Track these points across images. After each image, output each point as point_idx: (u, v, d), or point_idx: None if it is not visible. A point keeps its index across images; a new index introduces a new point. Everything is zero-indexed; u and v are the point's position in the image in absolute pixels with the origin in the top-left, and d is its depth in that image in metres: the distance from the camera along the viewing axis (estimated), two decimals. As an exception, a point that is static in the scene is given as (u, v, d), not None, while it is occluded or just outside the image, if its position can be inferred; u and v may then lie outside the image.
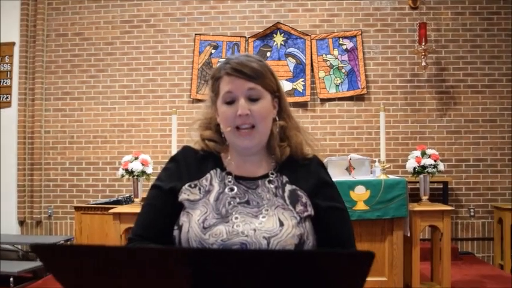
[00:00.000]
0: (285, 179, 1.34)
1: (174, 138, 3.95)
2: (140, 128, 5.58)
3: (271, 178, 1.34)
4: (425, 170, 3.84)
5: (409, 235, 3.64)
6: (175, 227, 1.30)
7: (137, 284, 0.82)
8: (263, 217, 1.25)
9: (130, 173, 3.94)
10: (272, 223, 1.23)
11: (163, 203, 1.34)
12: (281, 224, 1.23)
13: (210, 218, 1.25)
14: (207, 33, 5.60)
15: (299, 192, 1.31)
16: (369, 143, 5.39)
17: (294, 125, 1.40)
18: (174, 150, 3.95)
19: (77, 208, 5.11)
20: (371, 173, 3.95)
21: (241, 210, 1.27)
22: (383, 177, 3.74)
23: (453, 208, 4.06)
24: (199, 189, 1.32)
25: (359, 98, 5.46)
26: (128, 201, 5.10)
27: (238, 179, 1.34)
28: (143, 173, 3.96)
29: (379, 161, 3.90)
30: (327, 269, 0.76)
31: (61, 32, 5.66)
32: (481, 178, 5.32)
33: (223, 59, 1.38)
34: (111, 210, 3.90)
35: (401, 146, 5.36)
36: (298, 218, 1.25)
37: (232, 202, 1.28)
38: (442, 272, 3.68)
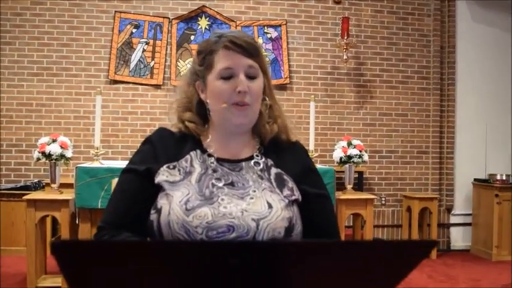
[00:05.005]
0: (269, 161, 1.29)
1: (98, 120, 3.70)
2: (51, 108, 5.16)
3: (256, 160, 1.29)
4: (351, 160, 3.97)
5: (335, 223, 3.75)
6: (153, 211, 1.20)
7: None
8: (251, 198, 1.19)
9: (47, 156, 3.63)
10: (260, 205, 1.18)
11: (138, 187, 1.24)
12: (270, 206, 1.18)
13: (193, 200, 1.16)
14: (128, 11, 5.31)
15: (285, 177, 1.27)
16: (290, 132, 5.45)
17: (279, 108, 1.36)
18: (97, 134, 3.70)
19: (-23, 194, 4.64)
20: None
21: (226, 191, 1.20)
22: (312, 166, 3.80)
23: (376, 197, 4.26)
24: (179, 170, 1.23)
25: (281, 88, 5.50)
26: (38, 186, 4.72)
27: (221, 160, 1.27)
28: (62, 156, 3.67)
29: (308, 151, 3.96)
30: (390, 257, 0.73)
31: (-41, -3, 5.06)
32: (392, 169, 5.64)
33: (215, 34, 1.29)
34: (25, 197, 3.57)
35: (320, 136, 5.50)
36: (286, 201, 1.21)
37: (216, 183, 1.21)
38: (364, 257, 3.84)
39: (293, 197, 1.23)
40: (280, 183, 1.24)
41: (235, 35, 1.25)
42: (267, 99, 1.32)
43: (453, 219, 5.73)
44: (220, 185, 1.21)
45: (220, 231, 1.12)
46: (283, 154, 1.32)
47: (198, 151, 1.27)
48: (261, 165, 1.28)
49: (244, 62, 1.23)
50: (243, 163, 1.27)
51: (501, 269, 4.74)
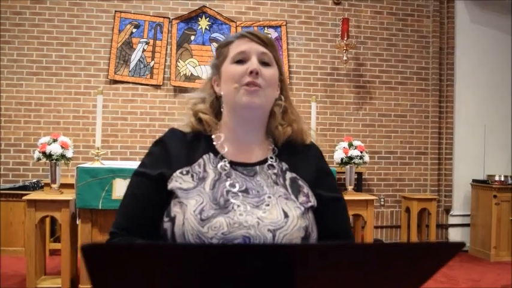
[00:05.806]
0: (284, 165, 1.27)
1: (99, 120, 3.68)
2: (50, 107, 5.14)
3: (271, 162, 1.26)
4: (352, 161, 3.98)
5: (336, 223, 3.75)
6: (166, 219, 1.17)
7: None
8: (266, 205, 1.16)
9: (48, 156, 3.61)
10: (276, 214, 1.14)
11: (150, 192, 1.21)
12: (286, 215, 1.15)
13: (207, 209, 1.13)
14: (128, 11, 5.30)
15: (300, 182, 1.24)
16: (289, 132, 5.45)
17: (295, 113, 1.34)
18: (98, 134, 3.68)
19: (-24, 194, 4.61)
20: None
21: (241, 198, 1.17)
22: (313, 167, 3.80)
23: (376, 198, 4.26)
24: (192, 176, 1.20)
25: (281, 88, 5.49)
26: (36, 186, 4.70)
27: (234, 164, 1.24)
28: (63, 156, 3.66)
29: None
30: (418, 259, 0.73)
31: (-42, -5, 5.03)
32: (391, 170, 5.65)
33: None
34: (25, 197, 3.54)
35: (319, 137, 5.50)
36: (302, 208, 1.18)
37: (230, 189, 1.18)
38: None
39: (309, 204, 1.20)
40: (296, 189, 1.22)
41: (251, 30, 1.29)
42: (282, 98, 1.30)
43: (452, 220, 5.75)
44: (235, 190, 1.18)
45: (236, 242, 1.10)
46: (298, 157, 1.30)
47: (211, 154, 1.25)
48: (276, 169, 1.25)
49: (257, 48, 1.25)
50: (257, 167, 1.25)
51: (500, 270, 4.76)
